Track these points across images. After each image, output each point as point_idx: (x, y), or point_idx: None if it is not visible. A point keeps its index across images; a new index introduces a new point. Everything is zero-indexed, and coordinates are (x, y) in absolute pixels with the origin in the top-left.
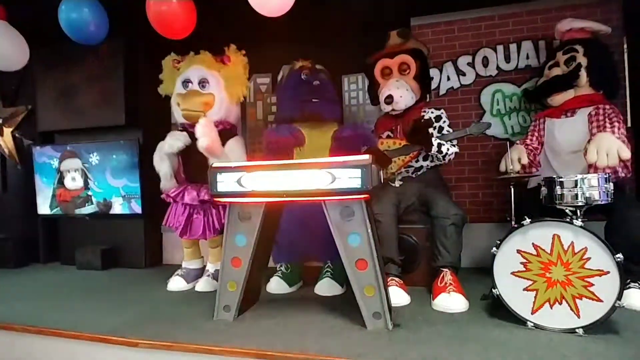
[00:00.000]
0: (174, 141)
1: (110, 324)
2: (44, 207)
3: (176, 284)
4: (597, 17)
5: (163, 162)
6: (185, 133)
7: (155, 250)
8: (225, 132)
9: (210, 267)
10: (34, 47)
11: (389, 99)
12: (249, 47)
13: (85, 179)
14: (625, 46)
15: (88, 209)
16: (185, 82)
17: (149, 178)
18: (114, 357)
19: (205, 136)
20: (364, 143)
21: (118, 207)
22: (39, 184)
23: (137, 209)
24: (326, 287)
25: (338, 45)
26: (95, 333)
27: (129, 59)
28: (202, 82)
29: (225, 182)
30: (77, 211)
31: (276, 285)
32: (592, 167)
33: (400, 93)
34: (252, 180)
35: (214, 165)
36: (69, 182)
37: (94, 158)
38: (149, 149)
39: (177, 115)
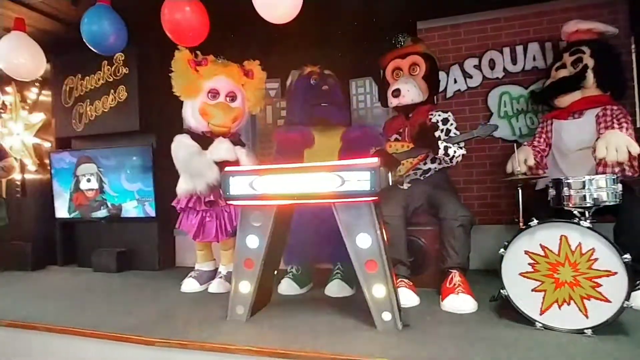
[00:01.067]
0: (229, 151)
1: (127, 324)
2: (61, 210)
3: (190, 285)
4: (604, 17)
5: (212, 169)
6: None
7: (169, 252)
8: (234, 141)
9: (223, 269)
10: (53, 55)
11: (397, 92)
12: (258, 52)
13: (100, 182)
14: (633, 46)
15: (103, 212)
16: (212, 93)
17: (162, 182)
18: (132, 355)
19: (229, 153)
20: (372, 143)
21: (133, 211)
22: (57, 189)
23: (151, 212)
24: (336, 288)
25: (345, 50)
26: (113, 332)
27: (143, 67)
28: (231, 96)
29: (237, 186)
30: (93, 214)
31: (287, 287)
32: (600, 165)
33: (408, 87)
34: (263, 184)
35: (226, 169)
36: (84, 185)
37: (110, 163)
38: (162, 153)
39: (195, 122)
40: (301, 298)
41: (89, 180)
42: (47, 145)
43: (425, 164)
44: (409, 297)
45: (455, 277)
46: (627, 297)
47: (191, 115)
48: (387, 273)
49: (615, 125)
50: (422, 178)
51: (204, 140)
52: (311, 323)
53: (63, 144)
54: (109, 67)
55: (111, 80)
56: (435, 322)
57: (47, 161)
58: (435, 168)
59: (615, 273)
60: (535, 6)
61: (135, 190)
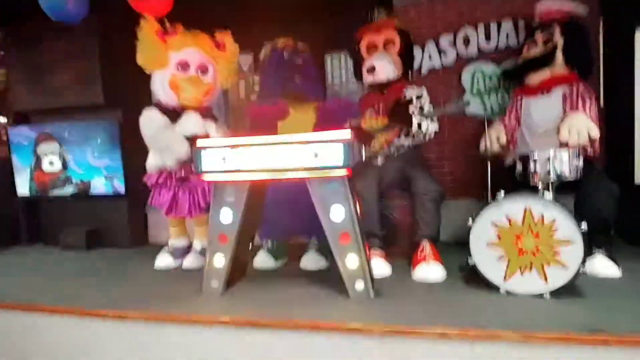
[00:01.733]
0: (198, 125)
1: (101, 301)
2: (22, 188)
3: (163, 261)
4: None
5: (182, 144)
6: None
7: (141, 229)
8: (205, 114)
9: (197, 244)
10: (6, 24)
11: (372, 69)
12: (230, 24)
13: (63, 160)
14: (601, 27)
15: (68, 190)
16: (182, 65)
17: (132, 158)
18: (106, 331)
19: (198, 127)
20: (348, 115)
21: (101, 188)
22: (17, 165)
23: (121, 188)
24: (311, 261)
25: (321, 23)
26: (87, 309)
27: (106, 37)
28: (202, 69)
29: (210, 160)
30: (57, 192)
31: (262, 260)
32: (563, 145)
33: (383, 64)
34: (236, 158)
35: (198, 142)
36: (46, 166)
37: (73, 138)
38: (131, 128)
39: (164, 95)
40: (277, 271)
41: (51, 163)
42: (2, 120)
43: (398, 139)
44: (381, 268)
45: (426, 246)
46: (583, 263)
47: (160, 88)
48: (360, 244)
49: (580, 105)
50: (395, 154)
51: (175, 114)
52: (286, 294)
53: (21, 118)
54: (69, 36)
55: (72, 50)
56: (406, 291)
57: (4, 137)
58: (409, 144)
59: (574, 242)
60: None
61: (102, 167)
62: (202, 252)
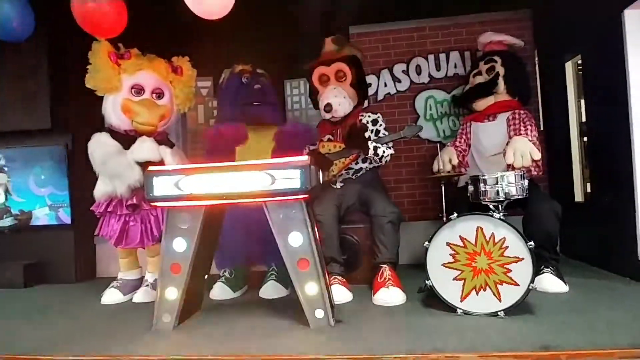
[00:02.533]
0: (151, 150)
1: (31, 343)
2: None
3: (111, 296)
4: (513, 32)
5: (134, 170)
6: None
7: (88, 263)
8: (161, 140)
9: (150, 277)
10: None
11: (328, 107)
12: (190, 49)
13: (6, 189)
14: (536, 59)
15: (7, 221)
16: (136, 88)
17: (81, 186)
18: None
19: (152, 152)
20: (305, 139)
21: (44, 218)
22: None
23: (66, 219)
24: (271, 289)
25: (280, 51)
26: (19, 354)
27: (55, 58)
28: (157, 92)
29: (162, 186)
30: None
31: (220, 291)
32: (510, 167)
33: (339, 101)
34: (190, 183)
35: (150, 168)
36: None
37: (15, 165)
38: (79, 154)
39: (117, 119)
40: (234, 302)
41: None
42: None
43: (356, 163)
44: (342, 294)
45: (386, 271)
46: (532, 280)
47: (112, 112)
48: (319, 271)
49: (522, 128)
50: (353, 177)
51: (128, 139)
52: (243, 326)
53: None
54: (17, 55)
55: (19, 70)
56: (366, 316)
57: None
58: (367, 167)
59: (523, 259)
60: (456, 18)
61: (46, 195)
62: (154, 286)
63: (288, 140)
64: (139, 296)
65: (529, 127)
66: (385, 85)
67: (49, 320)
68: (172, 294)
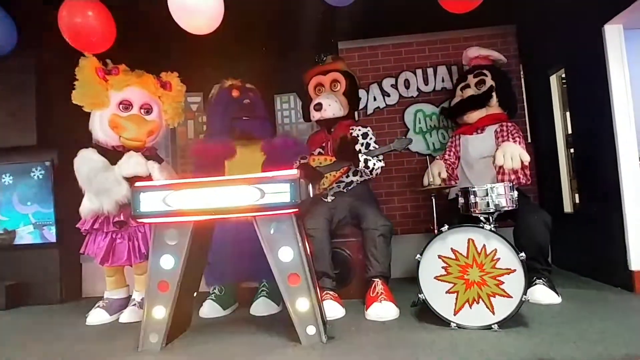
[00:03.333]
0: (139, 165)
1: None
2: None
3: (97, 316)
4: (497, 47)
5: (121, 185)
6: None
7: (74, 282)
8: (149, 155)
9: (137, 296)
10: None
11: (318, 106)
12: (180, 65)
13: None
14: (521, 73)
15: None
16: (124, 104)
17: (67, 203)
18: None
19: (140, 167)
20: (295, 151)
21: (28, 237)
22: None
23: (51, 237)
24: (262, 306)
25: (270, 66)
26: None
27: (42, 74)
28: (145, 108)
29: (149, 202)
30: None
31: (209, 309)
32: (500, 173)
33: (329, 102)
34: (178, 199)
35: (137, 184)
36: None
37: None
38: (66, 170)
39: (104, 135)
40: (224, 320)
41: None
42: None
43: (347, 176)
44: (334, 309)
45: (378, 285)
46: (525, 292)
47: (99, 128)
48: (310, 286)
49: (510, 139)
50: (345, 190)
51: (116, 155)
52: (233, 345)
53: None
54: (3, 71)
55: (3, 87)
56: (359, 332)
57: None
58: (357, 180)
59: (514, 270)
60: (442, 34)
61: (30, 214)
62: (142, 304)
63: (278, 153)
64: (126, 316)
65: (517, 138)
66: (375, 99)
67: (31, 343)
68: (160, 313)
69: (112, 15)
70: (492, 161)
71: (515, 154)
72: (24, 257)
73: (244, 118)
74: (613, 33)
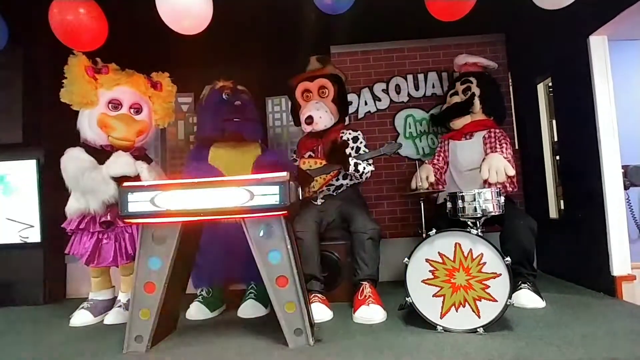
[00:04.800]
0: (127, 165)
1: None
2: None
3: (81, 318)
4: (487, 54)
5: (109, 185)
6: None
7: (58, 283)
8: (138, 155)
9: (123, 297)
10: None
11: (309, 120)
12: (171, 65)
13: None
14: (510, 80)
15: None
16: (114, 103)
17: (53, 203)
18: None
19: (128, 167)
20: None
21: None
22: None
23: (35, 237)
24: (249, 309)
25: (262, 68)
26: None
27: (29, 71)
28: (135, 108)
29: (137, 202)
30: None
31: (196, 311)
32: (486, 183)
33: (320, 114)
34: (167, 199)
35: (125, 184)
36: None
37: None
38: (52, 170)
39: (92, 134)
40: (212, 322)
41: None
42: None
43: (337, 180)
44: (322, 312)
45: (366, 288)
46: (510, 296)
47: (88, 127)
48: (298, 289)
49: (497, 147)
50: (334, 194)
51: (104, 154)
52: (220, 348)
53: None
54: None
55: None
56: (347, 335)
57: None
58: (347, 184)
59: (500, 275)
60: (433, 40)
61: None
62: (128, 306)
63: (268, 170)
64: (111, 317)
65: (504, 145)
66: (366, 103)
67: (12, 344)
68: (146, 314)
69: (104, 14)
70: (479, 171)
71: (500, 168)
72: (7, 256)
73: (234, 120)
74: (598, 44)
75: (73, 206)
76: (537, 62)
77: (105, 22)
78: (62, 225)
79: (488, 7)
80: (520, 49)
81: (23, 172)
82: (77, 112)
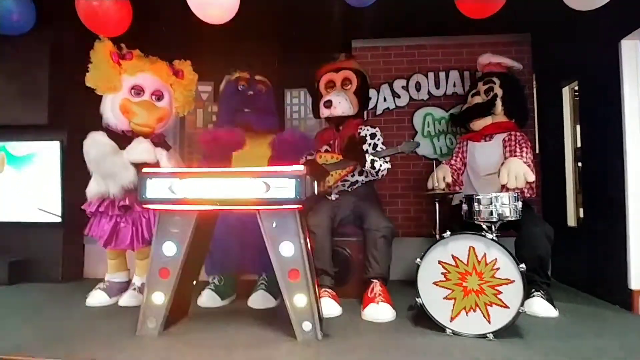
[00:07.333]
0: (147, 152)
1: (13, 343)
2: None
3: (97, 298)
4: (512, 55)
5: (128, 170)
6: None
7: (76, 262)
8: (157, 142)
9: (137, 280)
10: None
11: (328, 103)
12: (193, 53)
13: None
14: (534, 82)
15: None
16: (136, 89)
17: (74, 183)
18: None
19: (148, 154)
20: (303, 147)
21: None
22: None
23: (56, 216)
24: (260, 299)
25: (283, 60)
26: None
27: (56, 54)
28: (157, 95)
29: (155, 188)
30: None
31: (208, 299)
32: (504, 188)
33: (340, 100)
34: (184, 187)
35: (144, 170)
36: None
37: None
38: (74, 151)
39: (115, 119)
40: (222, 310)
41: None
42: None
43: (352, 175)
44: (331, 307)
45: (376, 287)
46: (522, 303)
47: (110, 111)
48: (309, 283)
49: (517, 151)
50: (349, 190)
51: (125, 139)
52: (229, 336)
53: None
54: (15, 50)
55: (17, 65)
56: (355, 332)
57: None
58: (362, 180)
59: (513, 281)
60: (456, 38)
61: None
62: (142, 289)
63: (285, 147)
64: (125, 299)
65: (524, 149)
66: (385, 100)
67: (31, 319)
68: (159, 298)
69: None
70: (498, 175)
71: (519, 173)
72: (28, 234)
73: (245, 110)
74: (629, 48)
75: (93, 189)
76: (563, 65)
77: (130, 8)
78: (82, 207)
79: (516, 5)
80: (547, 51)
81: (47, 153)
82: (101, 97)
